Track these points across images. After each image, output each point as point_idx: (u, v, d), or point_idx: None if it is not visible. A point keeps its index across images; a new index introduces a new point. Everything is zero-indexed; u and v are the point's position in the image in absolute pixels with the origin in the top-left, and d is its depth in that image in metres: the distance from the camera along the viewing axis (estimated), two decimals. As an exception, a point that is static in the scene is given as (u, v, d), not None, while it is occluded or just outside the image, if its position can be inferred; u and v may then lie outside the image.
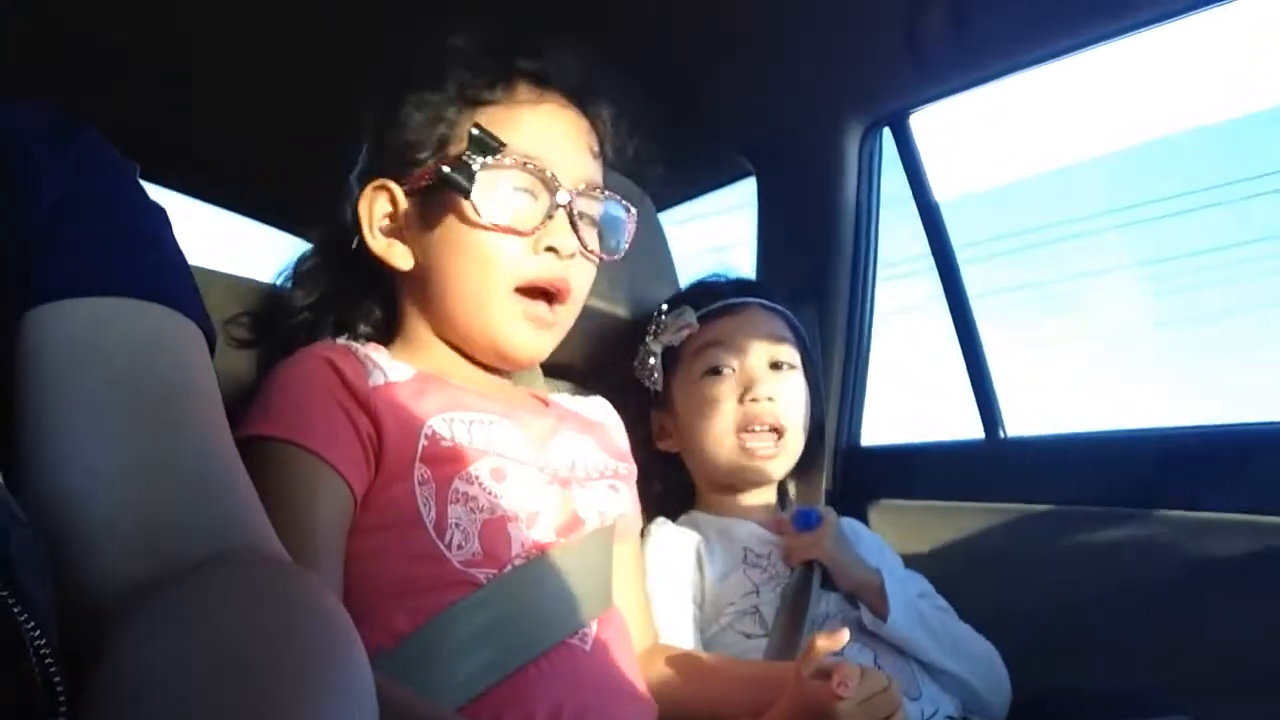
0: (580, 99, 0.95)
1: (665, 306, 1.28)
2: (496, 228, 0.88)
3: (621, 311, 1.31)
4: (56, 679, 0.38)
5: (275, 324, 0.95)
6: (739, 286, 1.35)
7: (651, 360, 1.27)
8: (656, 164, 1.10)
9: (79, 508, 0.47)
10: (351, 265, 0.97)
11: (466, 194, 0.86)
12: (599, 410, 1.09)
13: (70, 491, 0.47)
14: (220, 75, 1.49)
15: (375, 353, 0.91)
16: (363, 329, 0.98)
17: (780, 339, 1.28)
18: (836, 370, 1.59)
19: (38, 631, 0.38)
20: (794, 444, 1.27)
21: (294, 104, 1.54)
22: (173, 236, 0.59)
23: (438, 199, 0.89)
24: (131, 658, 0.39)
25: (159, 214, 0.59)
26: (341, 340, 0.92)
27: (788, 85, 1.56)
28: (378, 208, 0.93)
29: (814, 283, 1.61)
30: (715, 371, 1.25)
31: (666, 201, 1.74)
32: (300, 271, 0.98)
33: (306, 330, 0.95)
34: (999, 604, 1.34)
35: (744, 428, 1.23)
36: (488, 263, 0.89)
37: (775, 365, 1.26)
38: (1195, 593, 1.21)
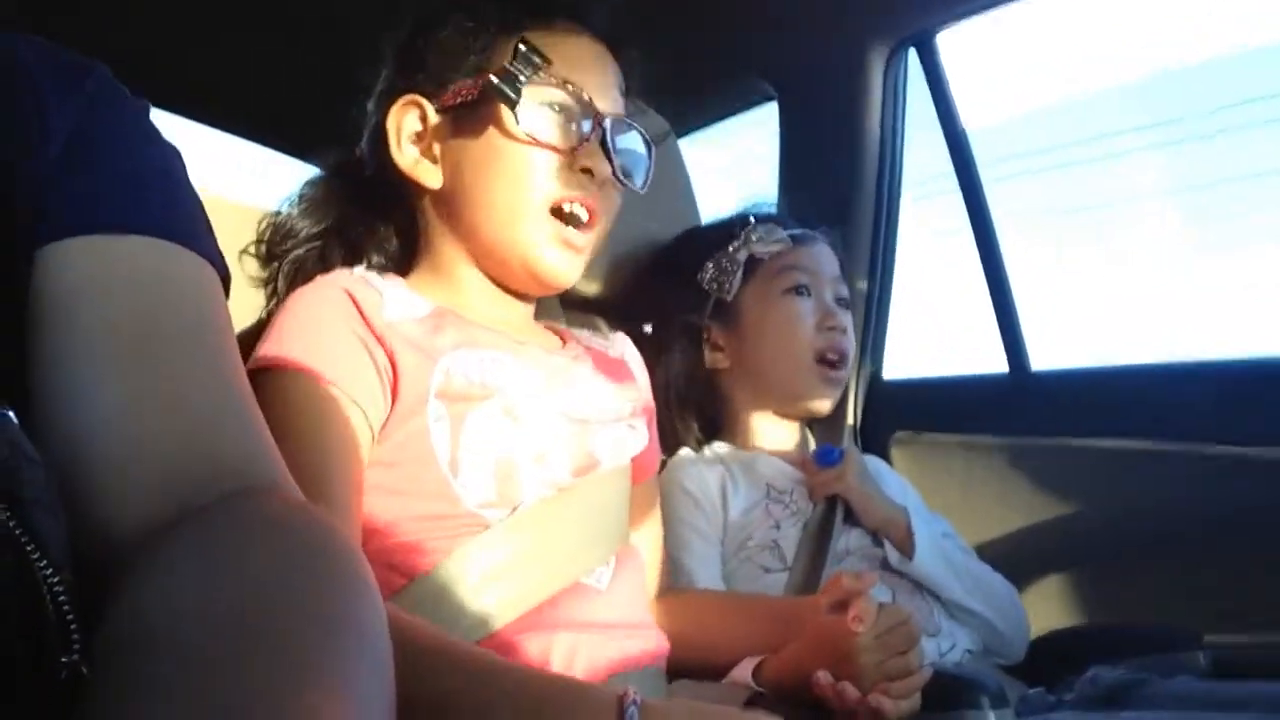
0: (610, 38, 0.95)
1: (753, 219, 1.28)
2: (536, 142, 0.87)
3: (643, 238, 1.29)
4: (70, 617, 0.38)
5: (285, 254, 0.93)
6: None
7: (736, 269, 1.25)
8: (675, 92, 1.09)
9: (94, 447, 0.47)
10: (365, 190, 0.95)
11: (513, 105, 0.86)
12: (618, 346, 1.08)
13: (85, 430, 0.47)
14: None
15: (392, 284, 0.89)
16: (376, 259, 0.96)
17: (841, 278, 1.31)
18: (860, 301, 1.56)
19: (50, 570, 0.38)
20: (846, 379, 1.29)
21: (303, 26, 1.51)
22: (186, 175, 0.58)
23: (475, 114, 0.89)
24: (145, 599, 0.40)
25: (172, 152, 0.59)
26: (359, 270, 0.91)
27: (810, 4, 1.52)
28: (406, 124, 0.91)
29: (838, 210, 1.57)
30: (798, 292, 1.26)
31: (686, 126, 1.71)
32: (307, 199, 0.96)
33: (316, 261, 0.93)
34: (1021, 539, 1.35)
35: (820, 355, 1.24)
36: (524, 178, 0.88)
37: (839, 300, 1.28)
38: (1217, 529, 1.20)
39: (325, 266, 0.92)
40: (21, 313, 0.49)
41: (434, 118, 0.91)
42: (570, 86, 0.88)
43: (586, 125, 0.89)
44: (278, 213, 0.96)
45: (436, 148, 0.91)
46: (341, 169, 0.98)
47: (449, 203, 0.92)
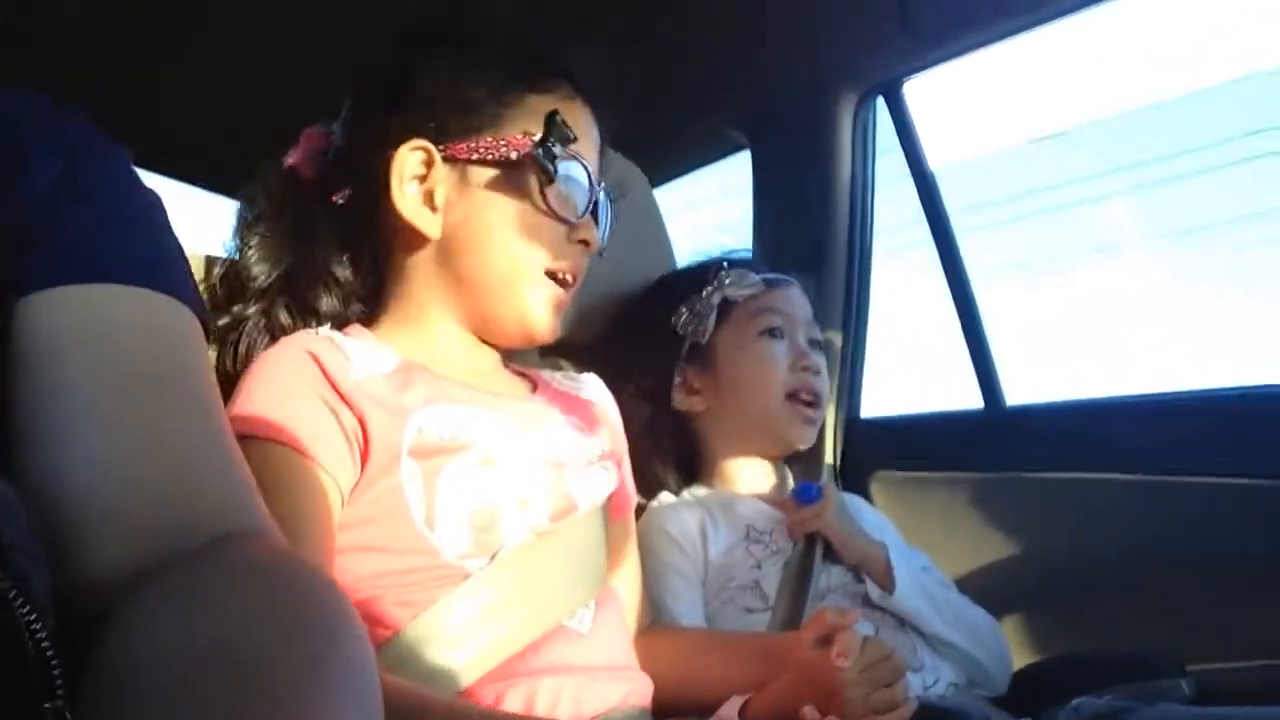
0: (596, 102, 0.96)
1: (725, 264, 1.30)
2: (552, 214, 0.89)
3: (619, 287, 1.31)
4: (53, 661, 0.38)
5: (233, 318, 0.89)
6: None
7: (710, 313, 1.27)
8: (649, 141, 1.11)
9: (78, 493, 0.47)
10: (321, 227, 0.92)
11: (550, 180, 0.88)
12: (590, 389, 1.08)
13: (68, 477, 0.47)
14: (182, 46, 1.45)
15: (356, 341, 0.88)
16: (328, 306, 0.92)
17: (812, 320, 1.33)
18: (835, 343, 1.58)
19: (34, 615, 0.38)
20: (822, 419, 1.31)
21: (257, 71, 1.50)
22: (168, 222, 0.59)
23: (491, 173, 0.89)
24: (130, 642, 0.39)
25: (153, 200, 0.59)
26: (324, 330, 0.89)
27: (779, 56, 1.55)
28: (408, 168, 0.89)
29: (811, 255, 1.60)
30: (772, 334, 1.27)
31: (660, 176, 1.73)
32: (252, 243, 0.90)
33: (262, 331, 0.89)
34: (1001, 572, 1.35)
35: (792, 395, 1.26)
36: (530, 246, 0.90)
37: (812, 342, 1.30)
38: (1195, 558, 1.21)
39: (270, 322, 0.89)
40: (3, 359, 0.49)
41: (440, 167, 0.89)
42: (581, 159, 0.90)
43: (590, 198, 0.91)
44: (214, 259, 0.91)
45: (440, 196, 0.89)
46: (281, 205, 0.92)
47: (443, 253, 0.91)
